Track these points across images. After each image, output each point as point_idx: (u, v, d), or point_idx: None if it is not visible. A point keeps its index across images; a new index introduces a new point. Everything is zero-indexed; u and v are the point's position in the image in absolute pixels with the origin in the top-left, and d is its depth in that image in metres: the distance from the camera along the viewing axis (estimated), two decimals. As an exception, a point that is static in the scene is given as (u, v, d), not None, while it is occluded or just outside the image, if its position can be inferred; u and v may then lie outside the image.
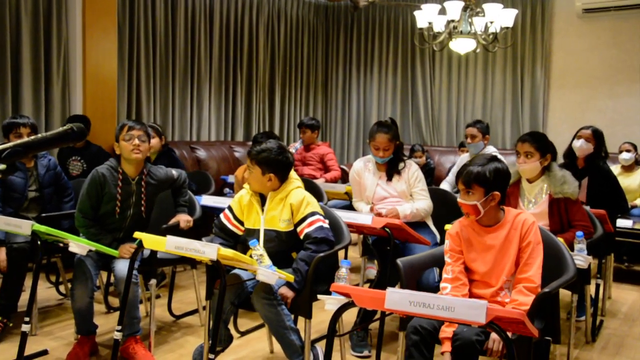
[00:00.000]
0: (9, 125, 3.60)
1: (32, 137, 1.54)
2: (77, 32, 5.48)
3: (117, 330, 2.86)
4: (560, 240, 2.63)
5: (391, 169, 3.70)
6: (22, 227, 2.86)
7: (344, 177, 6.01)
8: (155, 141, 4.49)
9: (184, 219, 3.34)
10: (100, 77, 5.63)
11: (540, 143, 3.30)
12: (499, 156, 4.86)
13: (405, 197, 3.69)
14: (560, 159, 4.21)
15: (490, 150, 4.98)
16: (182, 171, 3.54)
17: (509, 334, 1.85)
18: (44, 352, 3.22)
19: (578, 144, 4.13)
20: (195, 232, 3.27)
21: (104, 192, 3.18)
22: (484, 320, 1.69)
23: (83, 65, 5.52)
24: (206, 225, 4.26)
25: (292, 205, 2.84)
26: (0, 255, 3.34)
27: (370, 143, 3.67)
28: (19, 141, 1.49)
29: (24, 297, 3.47)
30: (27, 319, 2.80)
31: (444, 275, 2.48)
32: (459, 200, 2.44)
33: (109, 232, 3.22)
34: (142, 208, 3.26)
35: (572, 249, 2.93)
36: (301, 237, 2.82)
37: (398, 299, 1.80)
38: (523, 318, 1.70)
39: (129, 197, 3.22)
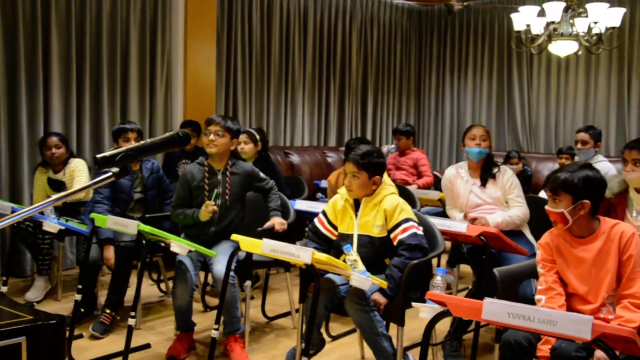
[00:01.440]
0: (119, 130, 3.84)
1: (142, 142, 1.62)
2: (179, 42, 5.76)
3: (214, 329, 2.97)
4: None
5: (485, 174, 3.61)
6: (129, 226, 3.03)
7: (437, 184, 5.92)
8: (248, 147, 4.60)
9: (278, 222, 3.41)
10: (199, 85, 5.88)
11: None
12: (608, 165, 4.65)
13: (501, 204, 3.58)
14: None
15: (600, 158, 4.74)
16: (270, 180, 3.59)
17: (617, 353, 1.75)
18: (147, 346, 3.39)
19: None
20: (289, 236, 3.33)
21: (193, 186, 3.36)
22: (589, 337, 1.61)
23: (184, 73, 5.79)
24: (300, 229, 4.33)
25: (386, 210, 2.83)
26: (109, 253, 3.56)
27: (466, 137, 3.64)
28: (130, 146, 1.57)
29: (129, 293, 3.68)
30: (133, 313, 2.97)
31: (538, 287, 2.39)
32: (546, 207, 2.35)
33: (201, 227, 3.35)
34: (227, 197, 3.37)
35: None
36: (395, 243, 2.80)
37: (496, 310, 1.76)
38: (634, 336, 1.60)
39: (215, 187, 3.35)
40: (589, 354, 2.09)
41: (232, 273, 3.11)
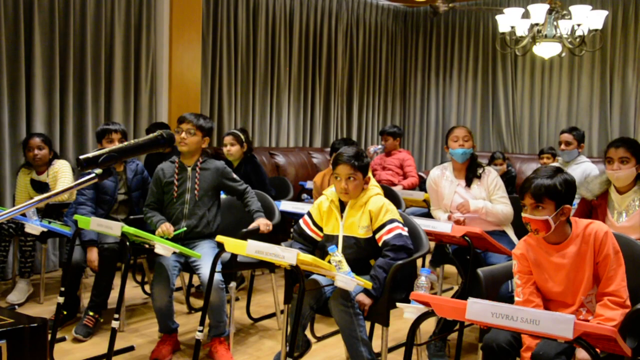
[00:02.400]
0: (102, 131, 3.81)
1: (126, 143, 1.61)
2: (164, 43, 5.73)
3: (199, 331, 2.96)
4: (655, 254, 2.48)
5: (470, 174, 3.64)
6: (113, 228, 3.01)
7: (422, 184, 5.94)
8: (235, 149, 4.60)
9: (263, 223, 3.40)
10: (184, 86, 5.85)
11: (635, 148, 3.12)
12: (591, 165, 4.70)
13: (485, 205, 3.61)
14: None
15: (583, 159, 4.79)
16: (245, 183, 3.58)
17: (598, 352, 1.76)
18: (131, 348, 3.37)
19: None
20: (274, 237, 3.33)
21: (164, 182, 3.42)
22: (571, 336, 1.62)
23: (169, 75, 5.76)
24: (285, 230, 4.33)
25: (372, 211, 2.84)
26: (93, 255, 3.53)
27: (449, 139, 3.66)
28: (114, 147, 1.56)
29: (113, 295, 3.65)
30: (116, 315, 2.94)
31: (516, 298, 2.37)
32: (525, 216, 2.27)
33: (173, 221, 3.38)
34: (196, 192, 3.40)
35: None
36: (380, 244, 2.81)
37: (479, 310, 1.76)
38: (614, 335, 1.62)
39: (185, 182, 3.41)
40: (568, 357, 2.11)
41: (221, 277, 3.11)
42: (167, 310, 3.25)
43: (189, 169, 3.42)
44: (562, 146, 4.80)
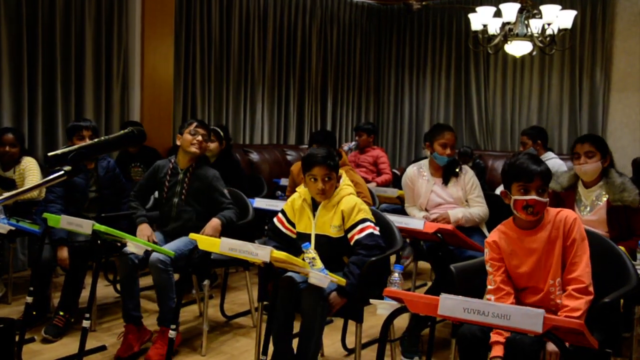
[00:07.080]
0: (73, 128, 3.75)
1: (96, 140, 1.59)
2: (136, 38, 5.65)
3: (172, 329, 2.93)
4: (621, 248, 2.54)
5: (448, 173, 3.65)
6: (84, 226, 2.96)
7: (395, 181, 5.98)
8: (214, 145, 4.54)
9: (211, 226, 3.33)
10: (157, 81, 5.79)
11: (600, 144, 3.22)
12: (559, 162, 4.77)
13: (461, 204, 3.63)
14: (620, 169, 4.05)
15: (550, 156, 4.86)
16: (231, 204, 3.49)
17: (567, 345, 1.79)
18: (103, 348, 3.33)
19: None
20: (248, 234, 3.31)
21: (158, 179, 3.49)
22: (540, 330, 1.65)
23: (141, 70, 5.69)
24: (259, 227, 4.31)
25: (344, 211, 2.84)
26: (63, 254, 3.47)
27: (437, 142, 3.61)
28: (84, 144, 1.54)
29: (84, 294, 3.60)
30: (87, 315, 2.90)
31: (488, 287, 2.42)
32: (534, 198, 2.26)
33: (161, 223, 3.48)
34: (182, 197, 3.42)
35: (634, 258, 2.83)
36: (351, 243, 2.81)
37: (452, 306, 1.78)
38: (582, 328, 1.65)
39: (175, 185, 3.45)
40: (541, 346, 2.15)
41: (167, 261, 3.12)
42: (131, 281, 3.24)
43: (181, 172, 3.44)
44: (521, 148, 4.89)
